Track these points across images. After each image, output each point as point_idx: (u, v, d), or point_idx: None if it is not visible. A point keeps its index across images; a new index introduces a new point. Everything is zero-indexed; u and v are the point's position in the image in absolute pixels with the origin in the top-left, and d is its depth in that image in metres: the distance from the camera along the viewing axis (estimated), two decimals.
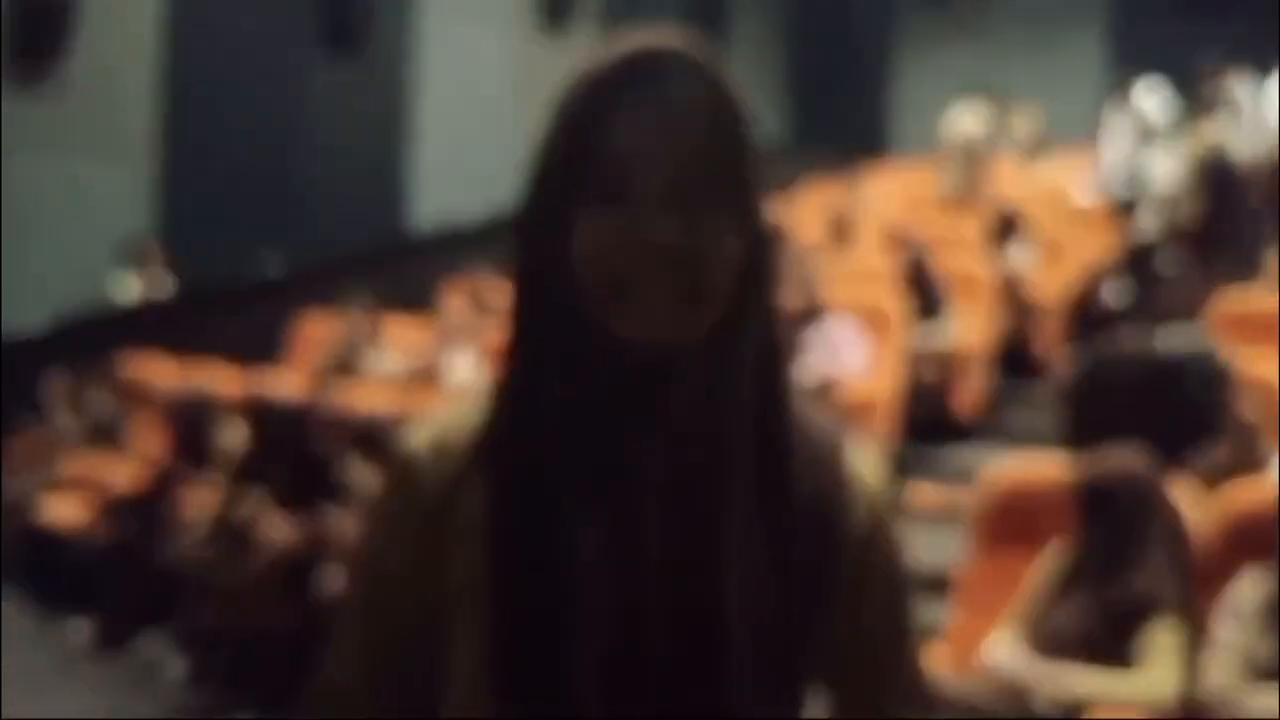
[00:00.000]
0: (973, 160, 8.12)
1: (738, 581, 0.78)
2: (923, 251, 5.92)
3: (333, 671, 0.90)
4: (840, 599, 0.85)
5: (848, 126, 12.20)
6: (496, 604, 0.79)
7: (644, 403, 0.79)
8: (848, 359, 4.87)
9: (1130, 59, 10.47)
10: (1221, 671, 2.45)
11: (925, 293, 5.76)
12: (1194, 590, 2.59)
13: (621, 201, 0.76)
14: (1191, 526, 2.76)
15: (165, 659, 4.15)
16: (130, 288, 6.66)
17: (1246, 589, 2.52)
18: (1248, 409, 3.27)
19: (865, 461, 0.89)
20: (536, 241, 0.81)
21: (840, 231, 7.43)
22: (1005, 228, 6.68)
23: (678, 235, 0.75)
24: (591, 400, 0.79)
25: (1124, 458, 2.79)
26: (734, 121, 0.79)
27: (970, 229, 7.18)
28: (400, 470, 0.86)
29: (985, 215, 6.98)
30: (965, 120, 8.31)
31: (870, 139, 12.55)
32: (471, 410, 0.86)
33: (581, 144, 0.78)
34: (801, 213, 8.28)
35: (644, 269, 0.75)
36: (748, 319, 0.80)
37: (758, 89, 12.30)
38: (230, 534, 4.28)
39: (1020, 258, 6.56)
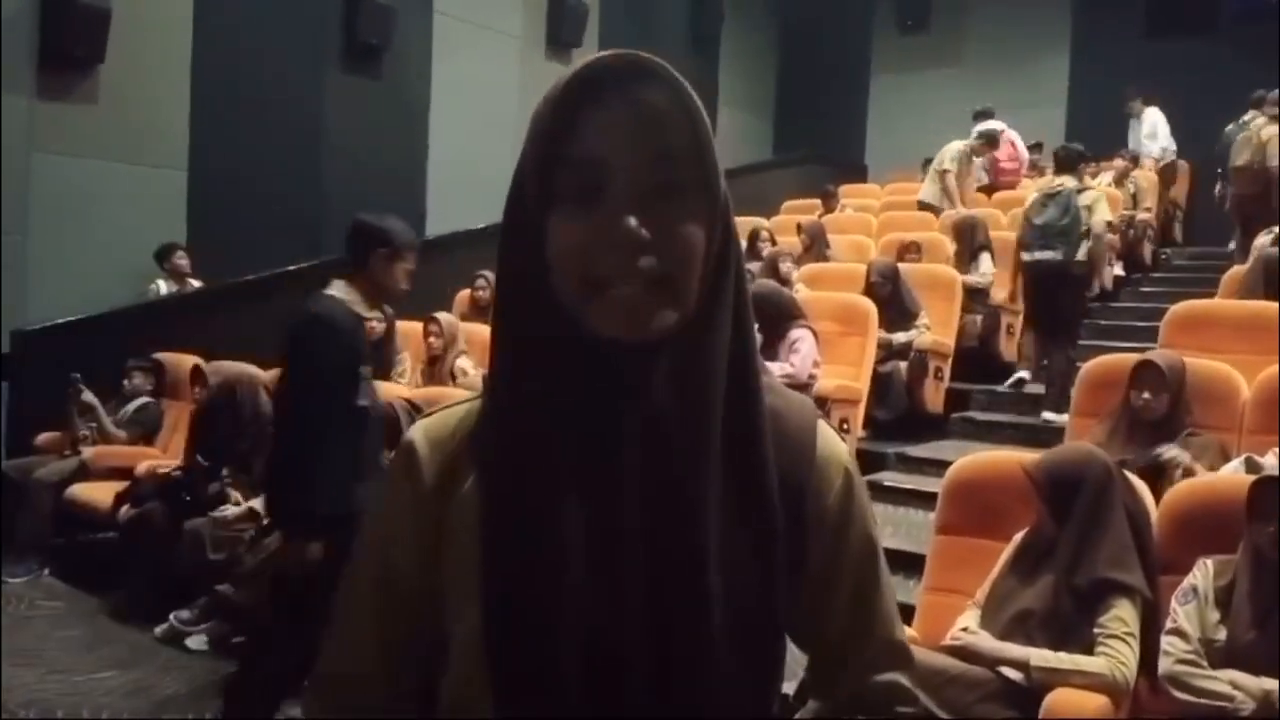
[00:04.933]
0: (952, 176, 8.17)
1: (714, 559, 0.78)
2: (894, 272, 5.86)
3: (342, 655, 0.90)
4: (816, 570, 0.86)
5: (829, 145, 12.19)
6: (489, 582, 0.79)
7: (622, 393, 0.78)
8: (806, 364, 4.96)
9: (1098, 79, 10.49)
10: (1178, 656, 2.41)
11: (895, 307, 5.72)
12: (1154, 575, 2.55)
13: (592, 202, 0.76)
14: (1152, 516, 2.72)
15: (188, 635, 4.10)
16: (160, 289, 6.61)
17: (1202, 579, 2.49)
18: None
19: (835, 441, 0.90)
20: (516, 242, 0.81)
21: (820, 241, 7.39)
22: (972, 237, 6.67)
23: (647, 233, 0.75)
24: (572, 392, 0.79)
25: (1086, 450, 2.75)
26: (693, 124, 0.79)
27: (944, 238, 7.19)
28: (402, 460, 0.87)
29: (956, 225, 6.96)
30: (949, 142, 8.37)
31: (850, 156, 12.55)
32: (469, 403, 0.88)
33: (553, 150, 0.78)
34: (785, 224, 8.28)
35: (616, 266, 0.75)
36: (719, 310, 0.80)
37: (745, 110, 12.31)
38: (252, 515, 4.25)
39: (985, 265, 6.55)
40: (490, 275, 6.58)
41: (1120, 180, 8.58)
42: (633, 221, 0.75)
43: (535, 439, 0.79)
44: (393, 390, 4.77)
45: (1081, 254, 5.64)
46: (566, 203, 0.77)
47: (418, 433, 0.88)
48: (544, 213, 0.78)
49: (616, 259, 0.75)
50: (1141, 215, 8.38)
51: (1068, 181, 5.81)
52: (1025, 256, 5.80)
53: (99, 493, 4.91)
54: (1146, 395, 3.49)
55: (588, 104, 0.77)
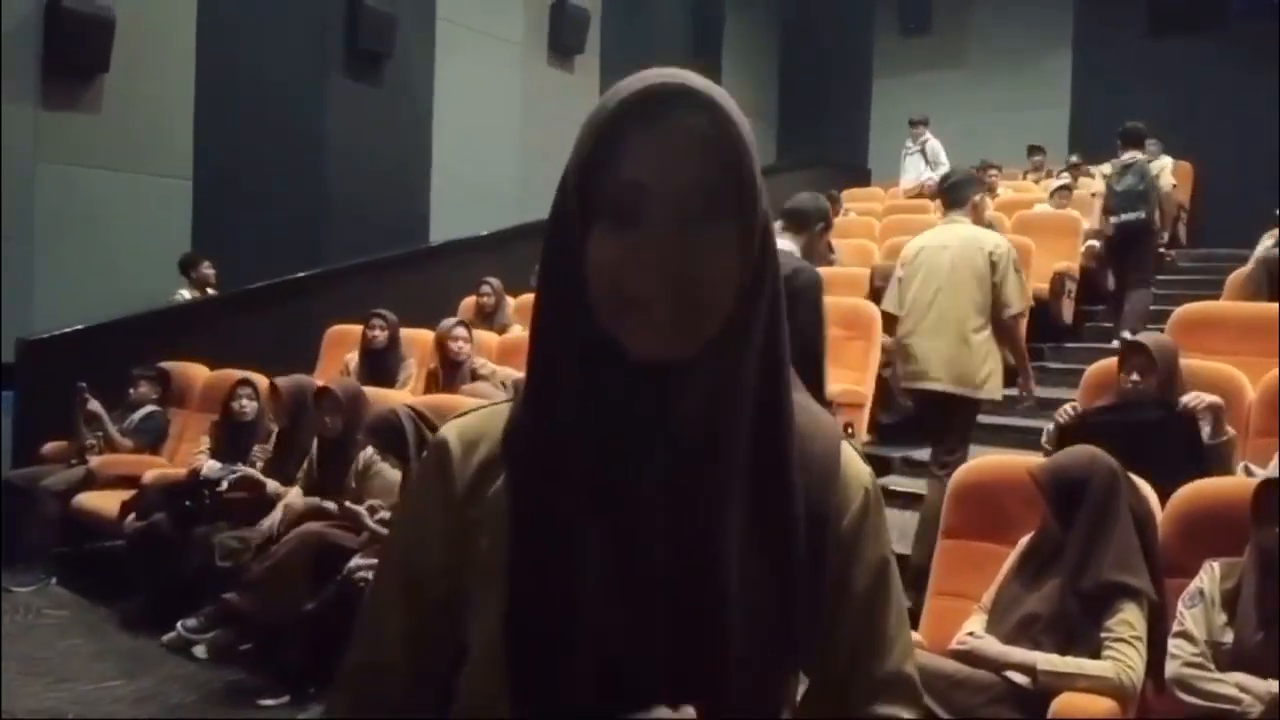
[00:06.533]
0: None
1: (734, 576, 0.79)
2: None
3: (370, 652, 0.91)
4: (829, 591, 0.86)
5: (832, 148, 12.19)
6: (513, 585, 0.80)
7: (649, 411, 0.79)
8: None
9: (1101, 79, 10.46)
10: (1185, 659, 2.41)
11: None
12: (1160, 578, 2.55)
13: (630, 222, 0.77)
14: (1158, 519, 2.72)
15: (195, 643, 4.10)
16: (184, 299, 6.64)
17: (1208, 581, 2.49)
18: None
19: (858, 463, 0.90)
20: (557, 254, 0.82)
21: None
22: None
23: (682, 256, 0.76)
24: (601, 407, 0.80)
25: (1091, 453, 2.75)
26: (738, 149, 0.79)
27: None
28: (434, 459, 0.89)
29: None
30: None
31: (853, 159, 12.56)
32: (502, 408, 0.89)
33: (597, 168, 0.78)
34: None
35: (649, 287, 0.76)
36: (749, 334, 0.81)
37: (747, 115, 12.20)
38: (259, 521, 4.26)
39: None
40: (494, 282, 6.60)
41: None
42: (667, 247, 0.75)
43: (563, 448, 0.80)
44: (398, 397, 4.78)
45: (1156, 212, 6.83)
46: (604, 221, 0.77)
47: (451, 432, 0.89)
48: (584, 226, 0.78)
49: (648, 281, 0.75)
50: None
51: (1138, 154, 6.92)
52: (1114, 220, 6.85)
53: (105, 501, 4.92)
54: (1135, 377, 3.44)
55: (633, 124, 0.77)
